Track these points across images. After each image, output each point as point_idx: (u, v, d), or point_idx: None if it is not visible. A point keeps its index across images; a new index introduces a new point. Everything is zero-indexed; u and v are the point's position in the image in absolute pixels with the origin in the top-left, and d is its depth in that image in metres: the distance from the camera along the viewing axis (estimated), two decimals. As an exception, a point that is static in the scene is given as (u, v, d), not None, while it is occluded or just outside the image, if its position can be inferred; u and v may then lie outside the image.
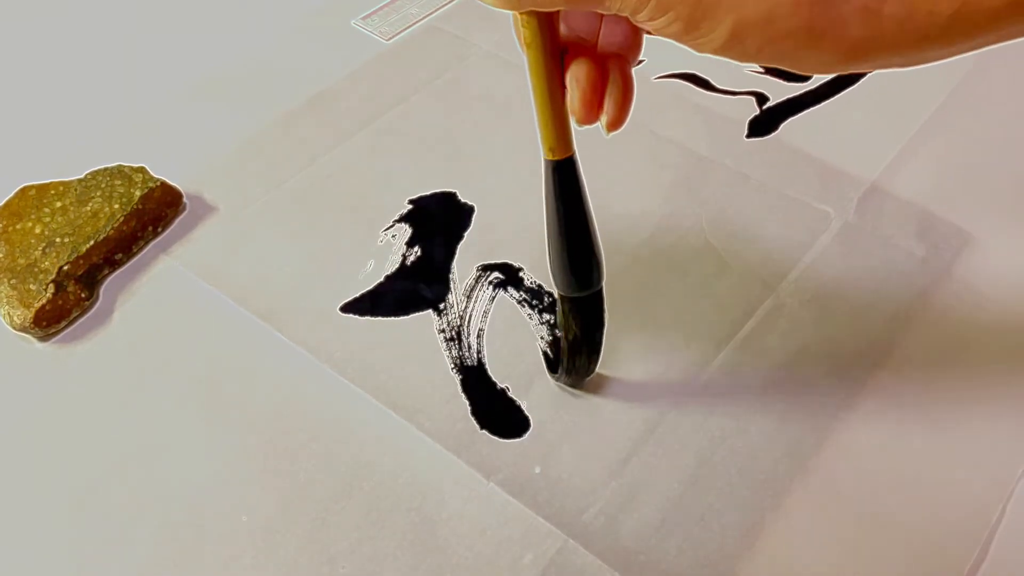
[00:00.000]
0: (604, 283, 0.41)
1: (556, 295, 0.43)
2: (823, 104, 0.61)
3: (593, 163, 0.56)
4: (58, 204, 0.52)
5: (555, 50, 0.34)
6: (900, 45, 0.28)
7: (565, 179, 0.38)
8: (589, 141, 0.57)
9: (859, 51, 0.28)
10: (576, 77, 0.34)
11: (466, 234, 0.54)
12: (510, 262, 0.52)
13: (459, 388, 0.47)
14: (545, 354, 0.48)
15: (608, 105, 0.34)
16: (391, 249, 0.53)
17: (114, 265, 0.52)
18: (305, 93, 0.63)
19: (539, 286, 0.51)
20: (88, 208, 0.52)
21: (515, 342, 0.48)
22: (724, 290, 0.51)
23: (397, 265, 0.52)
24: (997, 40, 0.28)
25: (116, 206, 0.52)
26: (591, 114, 0.34)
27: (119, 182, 0.53)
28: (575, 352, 0.44)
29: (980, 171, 0.57)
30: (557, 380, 0.47)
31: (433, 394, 0.46)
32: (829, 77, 0.63)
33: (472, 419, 0.46)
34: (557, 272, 0.41)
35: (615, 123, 0.35)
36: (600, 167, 0.56)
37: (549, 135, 0.36)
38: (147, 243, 0.53)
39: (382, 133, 0.60)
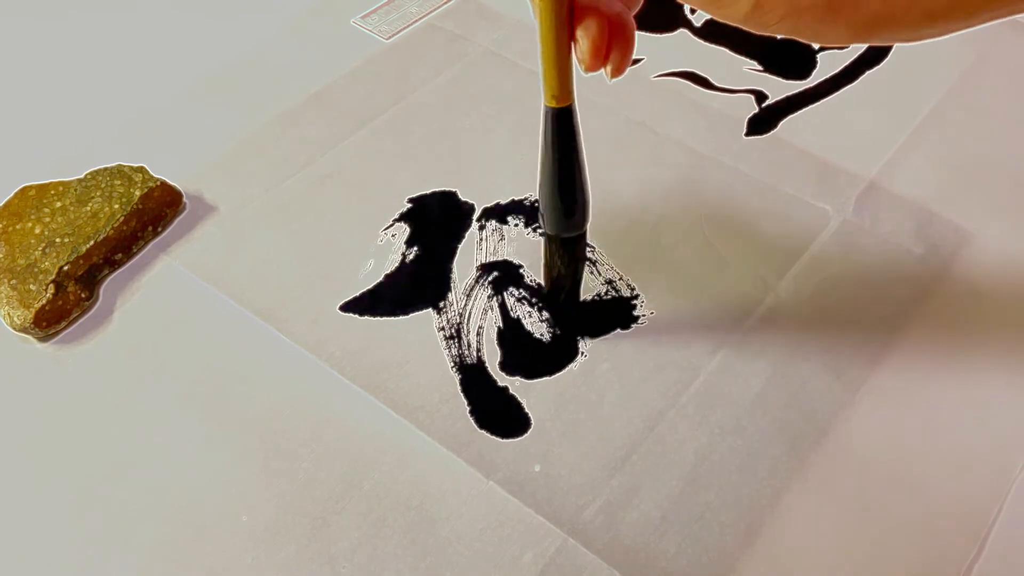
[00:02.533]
0: (588, 227, 0.45)
1: (544, 235, 0.45)
2: (822, 102, 0.61)
3: (593, 161, 0.56)
4: (58, 204, 0.52)
5: (566, 5, 0.36)
6: (908, 21, 0.30)
7: (564, 126, 0.40)
8: (589, 140, 0.57)
9: (871, 26, 0.30)
10: (587, 29, 0.36)
11: (466, 233, 0.54)
12: (510, 260, 0.52)
13: (459, 387, 0.47)
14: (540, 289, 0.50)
15: (614, 55, 0.37)
16: (391, 248, 0.53)
17: (114, 265, 0.52)
18: (304, 92, 0.63)
19: (539, 284, 0.51)
20: (88, 208, 0.52)
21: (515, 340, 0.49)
22: (723, 288, 0.51)
23: (396, 264, 0.52)
24: (998, 17, 0.30)
25: (116, 206, 0.52)
26: (598, 63, 0.37)
27: (119, 182, 0.53)
28: (558, 287, 0.48)
29: (978, 169, 0.57)
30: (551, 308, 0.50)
31: (433, 393, 0.47)
32: (828, 75, 0.63)
33: (471, 418, 0.46)
34: (549, 213, 0.43)
35: (619, 70, 0.37)
36: (600, 165, 0.56)
37: (553, 84, 0.38)
38: (147, 243, 0.53)
39: (381, 132, 0.60)
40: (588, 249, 0.52)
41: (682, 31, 0.67)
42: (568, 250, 0.45)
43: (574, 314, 0.50)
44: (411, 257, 0.53)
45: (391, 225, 0.54)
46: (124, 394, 0.47)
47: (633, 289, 0.51)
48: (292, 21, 0.69)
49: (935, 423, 0.45)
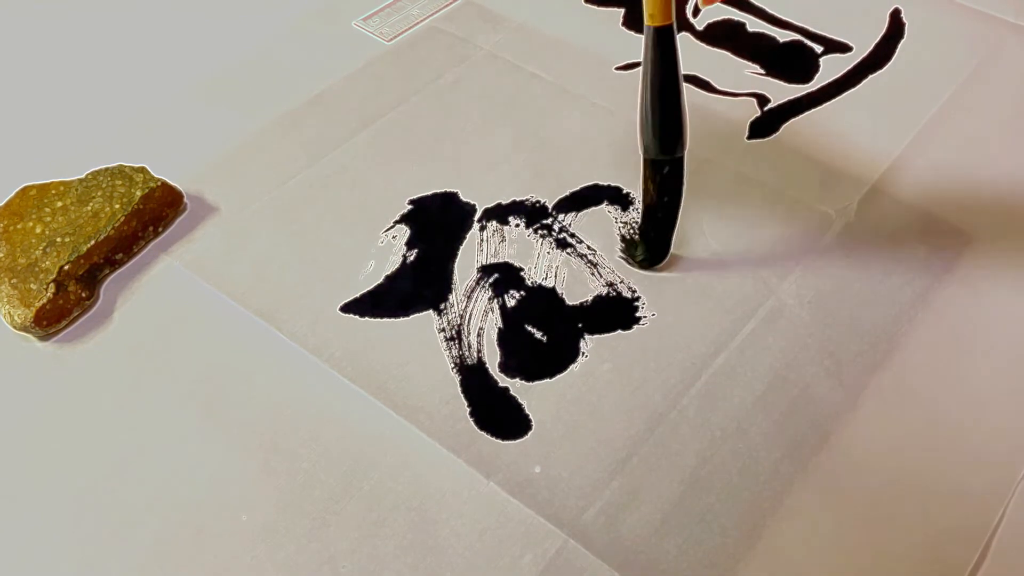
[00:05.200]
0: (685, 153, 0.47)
1: (646, 160, 0.47)
2: (824, 106, 0.61)
3: (594, 162, 0.56)
4: (59, 204, 0.52)
5: None
6: None
7: (665, 45, 0.42)
8: (589, 143, 0.57)
9: None
10: None
11: (467, 234, 0.54)
12: (511, 263, 0.52)
13: (459, 388, 0.47)
14: (623, 238, 0.52)
15: None
16: (391, 249, 0.53)
17: (115, 265, 0.52)
18: (306, 94, 0.63)
19: (539, 286, 0.51)
20: (89, 208, 0.52)
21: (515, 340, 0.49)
22: (725, 290, 0.51)
23: (397, 265, 0.52)
24: None
25: (117, 206, 0.52)
26: None
27: (120, 182, 0.53)
28: (652, 219, 0.49)
29: (980, 173, 0.57)
30: (635, 259, 0.51)
31: (433, 394, 0.46)
32: (831, 79, 0.63)
33: (472, 419, 0.46)
34: (647, 135, 0.45)
35: None
36: (601, 166, 0.56)
37: (657, 1, 0.41)
38: (148, 243, 0.53)
39: (383, 134, 0.60)
40: (590, 252, 0.52)
41: (684, 34, 0.67)
42: (665, 176, 0.47)
43: (666, 244, 0.50)
44: (412, 258, 0.52)
45: (392, 226, 0.54)
46: (124, 394, 0.47)
47: (634, 291, 0.51)
48: (293, 22, 0.69)
49: (937, 427, 0.45)
